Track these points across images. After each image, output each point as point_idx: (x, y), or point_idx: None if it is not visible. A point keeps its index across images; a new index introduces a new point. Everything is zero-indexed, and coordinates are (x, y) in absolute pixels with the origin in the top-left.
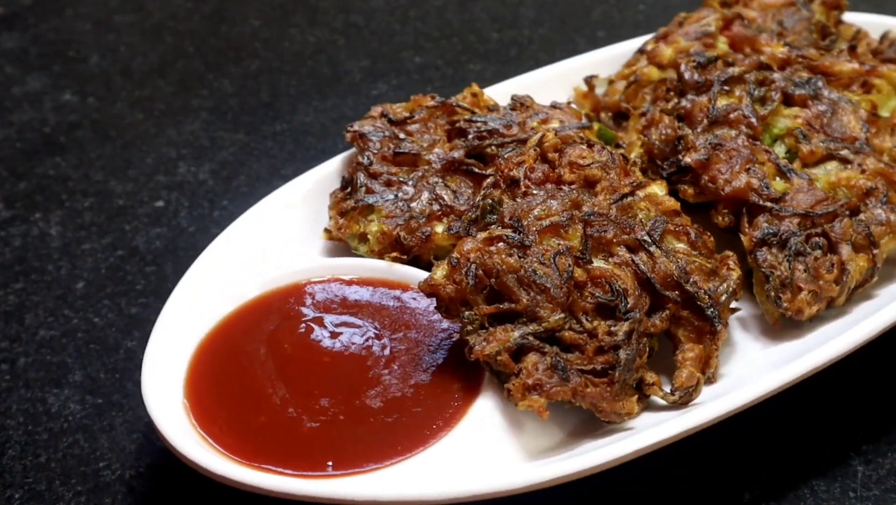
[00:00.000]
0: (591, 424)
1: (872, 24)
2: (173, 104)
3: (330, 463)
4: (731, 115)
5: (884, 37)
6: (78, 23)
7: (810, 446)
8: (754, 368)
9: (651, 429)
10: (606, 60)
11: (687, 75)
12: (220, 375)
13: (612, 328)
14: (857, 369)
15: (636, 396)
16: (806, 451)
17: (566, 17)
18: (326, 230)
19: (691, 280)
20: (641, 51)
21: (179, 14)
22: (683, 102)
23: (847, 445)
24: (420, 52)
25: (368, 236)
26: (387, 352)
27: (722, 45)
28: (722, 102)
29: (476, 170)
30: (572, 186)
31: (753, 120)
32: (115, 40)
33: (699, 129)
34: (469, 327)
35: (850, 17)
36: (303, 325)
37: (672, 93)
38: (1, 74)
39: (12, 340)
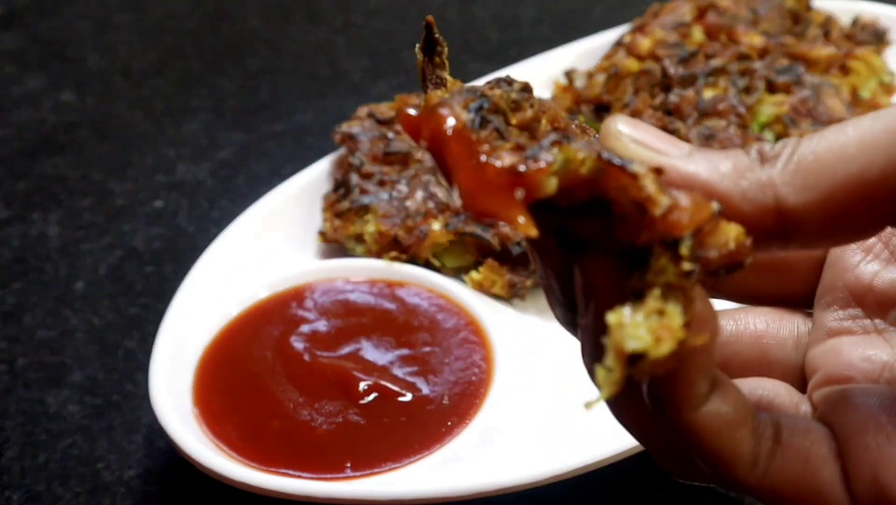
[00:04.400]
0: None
1: (841, 9)
2: (172, 104)
3: (348, 464)
4: (720, 106)
5: (855, 21)
6: (77, 22)
7: None
8: None
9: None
10: (582, 55)
11: (672, 71)
12: (228, 382)
13: None
14: None
15: None
16: None
17: (566, 17)
18: (321, 233)
19: None
20: (619, 43)
21: (179, 14)
22: (671, 97)
23: None
24: None
25: (365, 237)
26: (394, 351)
27: (697, 34)
28: (708, 94)
29: None
30: None
31: (742, 109)
32: (114, 40)
33: (690, 122)
34: None
35: (819, 2)
36: (307, 327)
37: (657, 88)
38: None
39: (11, 341)
